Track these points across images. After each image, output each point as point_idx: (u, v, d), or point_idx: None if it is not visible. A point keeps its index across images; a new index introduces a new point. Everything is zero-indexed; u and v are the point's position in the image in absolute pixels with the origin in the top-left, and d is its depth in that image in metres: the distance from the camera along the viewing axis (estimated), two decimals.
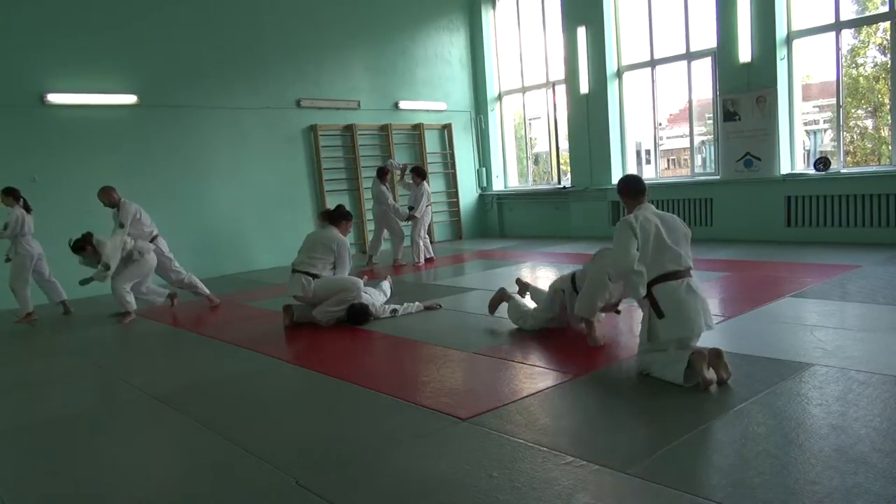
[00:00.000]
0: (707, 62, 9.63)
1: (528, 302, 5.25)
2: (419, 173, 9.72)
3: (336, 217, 6.03)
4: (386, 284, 6.68)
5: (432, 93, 12.23)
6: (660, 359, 3.61)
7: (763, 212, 9.01)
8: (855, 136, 9.38)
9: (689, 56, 9.82)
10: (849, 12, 8.63)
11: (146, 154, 9.14)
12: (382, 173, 9.57)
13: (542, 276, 7.75)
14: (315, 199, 10.82)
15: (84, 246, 6.60)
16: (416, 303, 6.12)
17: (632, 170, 11.05)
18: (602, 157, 10.89)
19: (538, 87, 12.27)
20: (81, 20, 8.59)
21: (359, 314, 5.69)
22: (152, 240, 7.24)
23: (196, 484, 2.88)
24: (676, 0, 9.79)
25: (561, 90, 11.59)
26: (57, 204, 8.19)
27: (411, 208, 9.61)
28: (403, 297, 6.59)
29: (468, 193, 12.90)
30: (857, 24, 8.69)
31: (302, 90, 10.61)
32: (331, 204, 10.75)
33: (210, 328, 6.07)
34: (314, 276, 5.72)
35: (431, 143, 12.31)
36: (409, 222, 9.70)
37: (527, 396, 3.54)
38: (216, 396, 4.08)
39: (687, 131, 10.20)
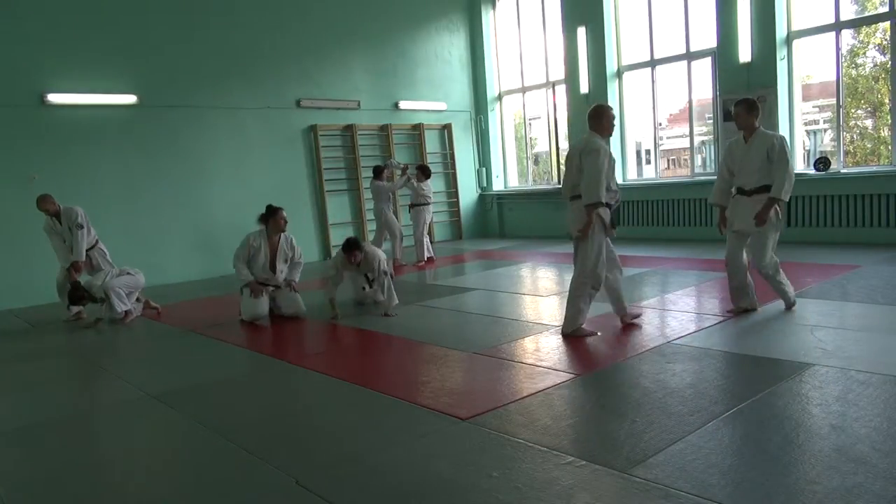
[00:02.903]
0: (707, 62, 9.63)
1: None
2: (424, 172, 9.73)
3: (267, 215, 6.22)
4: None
5: (432, 93, 12.23)
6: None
7: None
8: (855, 136, 9.38)
9: (689, 56, 9.82)
10: (849, 12, 8.64)
11: (146, 154, 9.15)
12: (378, 171, 9.56)
13: (543, 277, 7.76)
14: (315, 199, 10.82)
15: (82, 296, 6.55)
16: None
17: (632, 170, 11.06)
18: None
19: (538, 87, 12.27)
20: (81, 20, 8.59)
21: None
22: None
23: (196, 484, 2.87)
24: (676, 0, 9.80)
25: (561, 90, 11.59)
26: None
27: (414, 204, 9.69)
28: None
29: (468, 193, 12.90)
30: (856, 24, 8.69)
31: (302, 90, 10.61)
32: (331, 204, 10.81)
33: (210, 328, 6.07)
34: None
35: (431, 143, 12.31)
36: (410, 215, 9.80)
37: (527, 396, 3.54)
38: (216, 396, 4.08)
39: (687, 131, 10.20)
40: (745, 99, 4.95)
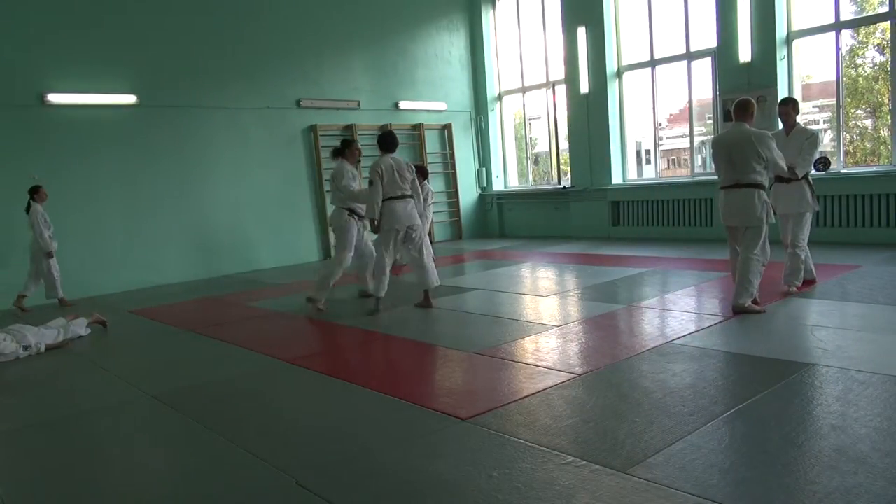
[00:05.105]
0: (707, 62, 9.63)
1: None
2: (422, 172, 9.71)
3: (344, 147, 6.73)
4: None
5: (432, 93, 12.23)
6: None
7: None
8: (855, 136, 9.38)
9: (689, 56, 9.82)
10: (848, 12, 8.64)
11: (146, 154, 9.14)
12: None
13: (543, 277, 7.75)
14: (315, 199, 10.81)
15: None
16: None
17: (632, 170, 11.06)
18: (602, 157, 10.89)
19: (538, 87, 12.27)
20: (81, 20, 8.59)
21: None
22: None
23: (196, 484, 2.88)
24: (676, 0, 9.80)
25: (561, 90, 11.59)
26: (57, 204, 8.18)
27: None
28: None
29: (468, 193, 12.90)
30: (856, 24, 8.69)
31: (302, 90, 10.61)
32: (330, 203, 10.77)
33: (210, 328, 6.07)
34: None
35: (431, 143, 12.31)
36: None
37: (527, 396, 3.54)
38: (216, 396, 4.08)
39: (687, 131, 10.20)
40: (791, 99, 5.79)
